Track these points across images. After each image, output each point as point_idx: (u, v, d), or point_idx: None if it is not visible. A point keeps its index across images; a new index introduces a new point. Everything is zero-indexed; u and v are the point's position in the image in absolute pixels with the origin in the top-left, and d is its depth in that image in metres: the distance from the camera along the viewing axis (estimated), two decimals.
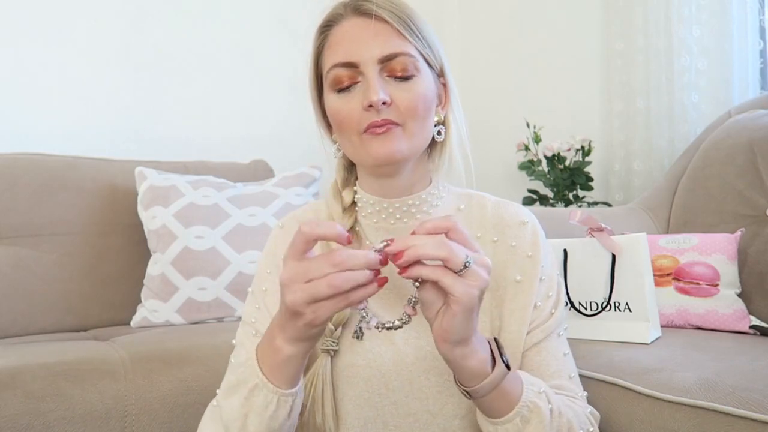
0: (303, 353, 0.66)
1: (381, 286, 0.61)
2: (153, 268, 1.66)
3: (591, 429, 0.76)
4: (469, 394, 0.68)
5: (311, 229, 0.60)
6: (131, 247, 1.76)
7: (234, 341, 0.84)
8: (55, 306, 1.62)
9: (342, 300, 0.60)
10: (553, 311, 0.80)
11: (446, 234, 0.62)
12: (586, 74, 2.29)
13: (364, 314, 0.66)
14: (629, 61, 2.06)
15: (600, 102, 2.25)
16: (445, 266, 0.61)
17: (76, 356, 1.17)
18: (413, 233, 0.62)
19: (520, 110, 2.32)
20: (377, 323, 0.66)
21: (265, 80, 2.34)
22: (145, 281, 1.67)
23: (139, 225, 1.73)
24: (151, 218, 1.69)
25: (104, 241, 1.74)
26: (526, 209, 0.85)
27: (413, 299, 0.65)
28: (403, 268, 0.61)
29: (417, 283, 0.63)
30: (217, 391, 0.78)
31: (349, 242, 0.61)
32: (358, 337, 0.68)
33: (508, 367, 0.68)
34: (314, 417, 0.77)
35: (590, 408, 0.80)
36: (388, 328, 0.66)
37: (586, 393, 0.81)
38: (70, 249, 1.69)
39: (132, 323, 1.63)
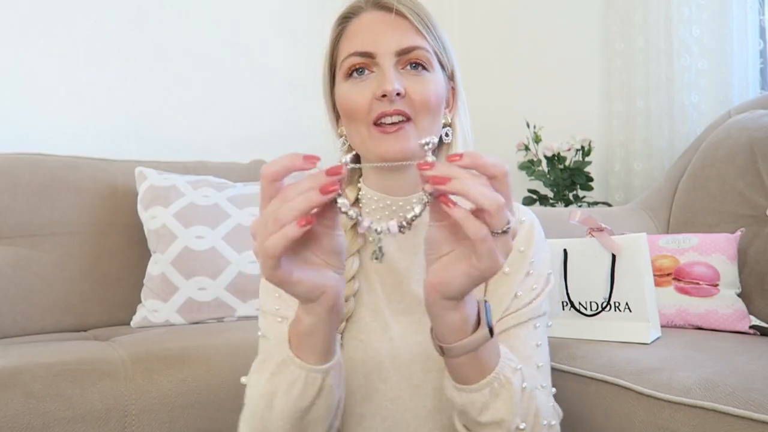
0: (322, 322, 0.61)
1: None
2: (153, 268, 1.66)
3: (554, 423, 0.73)
4: (442, 351, 0.64)
5: (267, 169, 0.54)
6: (131, 247, 1.75)
7: (259, 333, 0.81)
8: (55, 306, 1.62)
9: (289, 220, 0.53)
10: (531, 302, 0.78)
11: (492, 180, 0.53)
12: (586, 74, 2.29)
13: (352, 214, 0.56)
14: (629, 61, 2.06)
15: (600, 102, 2.25)
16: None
17: (76, 356, 1.17)
18: (453, 158, 0.53)
19: (520, 110, 2.32)
20: (369, 226, 0.57)
21: (265, 80, 2.34)
22: (145, 281, 1.67)
23: (139, 225, 1.73)
24: (151, 218, 1.69)
25: (104, 241, 1.74)
26: (529, 210, 0.85)
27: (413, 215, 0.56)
28: (442, 197, 0.54)
29: (427, 199, 0.55)
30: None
31: (313, 162, 0.53)
32: (377, 258, 0.63)
33: (491, 332, 0.63)
34: None
35: (554, 403, 0.77)
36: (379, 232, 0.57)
37: (554, 390, 0.78)
38: (70, 249, 1.69)
39: (132, 323, 1.63)
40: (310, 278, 0.58)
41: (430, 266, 0.59)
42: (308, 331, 0.62)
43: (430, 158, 0.54)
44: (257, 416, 0.67)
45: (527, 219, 0.83)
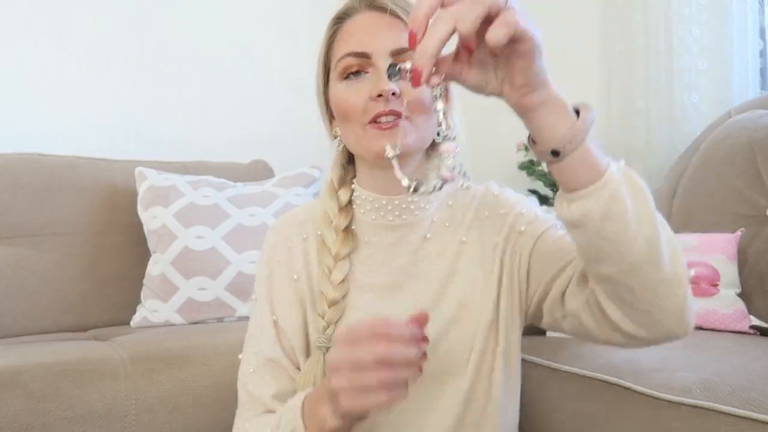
0: (348, 427, 0.66)
1: (421, 370, 0.62)
2: (153, 268, 1.66)
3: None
4: (556, 154, 0.63)
5: (382, 329, 0.59)
6: (131, 247, 1.76)
7: (240, 356, 0.83)
8: (55, 306, 1.62)
9: (386, 391, 0.58)
10: (539, 216, 0.80)
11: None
12: (585, 74, 2.29)
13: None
14: (629, 61, 2.06)
15: (600, 102, 2.24)
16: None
17: (76, 356, 1.17)
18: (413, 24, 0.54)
19: None
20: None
21: (265, 80, 2.34)
22: (145, 281, 1.67)
23: (139, 225, 1.73)
24: (151, 218, 1.69)
25: (104, 241, 1.74)
26: (495, 183, 0.87)
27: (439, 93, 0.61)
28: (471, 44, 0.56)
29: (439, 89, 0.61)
30: (237, 413, 0.80)
31: (423, 322, 0.62)
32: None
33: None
34: None
35: None
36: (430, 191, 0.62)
37: None
38: (70, 249, 1.69)
39: (132, 323, 1.63)
40: None
41: (510, 96, 0.62)
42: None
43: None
44: None
45: (499, 191, 0.85)
